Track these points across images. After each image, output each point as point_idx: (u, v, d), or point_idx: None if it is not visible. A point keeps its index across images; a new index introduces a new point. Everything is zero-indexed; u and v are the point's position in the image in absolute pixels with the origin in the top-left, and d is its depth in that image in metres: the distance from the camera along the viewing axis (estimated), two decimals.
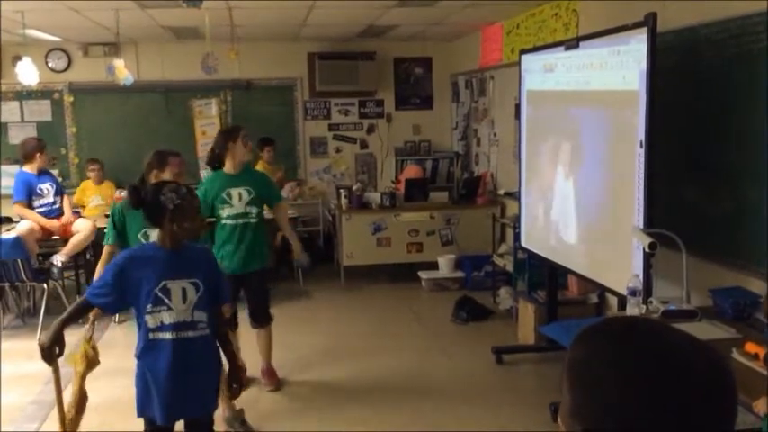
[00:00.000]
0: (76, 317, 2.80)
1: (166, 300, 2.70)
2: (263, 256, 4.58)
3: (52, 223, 6.36)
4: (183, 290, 2.72)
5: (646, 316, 3.00)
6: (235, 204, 4.40)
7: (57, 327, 2.67)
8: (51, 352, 2.68)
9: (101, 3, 5.40)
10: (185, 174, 3.85)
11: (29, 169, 6.33)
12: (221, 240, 4.41)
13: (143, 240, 3.96)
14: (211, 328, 2.84)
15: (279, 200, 4.77)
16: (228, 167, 4.45)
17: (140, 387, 2.80)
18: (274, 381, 4.67)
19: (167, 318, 2.70)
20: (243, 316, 4.57)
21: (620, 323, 0.98)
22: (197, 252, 2.89)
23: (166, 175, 3.62)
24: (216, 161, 4.47)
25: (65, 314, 2.74)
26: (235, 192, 4.41)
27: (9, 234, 6.29)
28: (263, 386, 4.65)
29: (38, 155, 6.32)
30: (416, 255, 7.22)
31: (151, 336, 2.72)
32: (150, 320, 2.70)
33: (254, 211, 4.47)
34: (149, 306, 2.69)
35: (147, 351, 2.75)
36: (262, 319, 4.59)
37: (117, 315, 5.88)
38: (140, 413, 2.83)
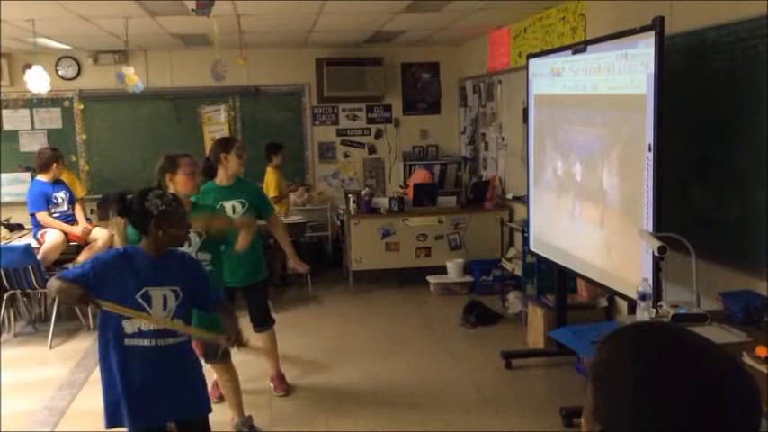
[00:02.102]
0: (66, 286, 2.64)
1: (147, 306, 2.66)
2: (262, 268, 4.58)
3: (75, 230, 6.43)
4: (164, 297, 2.69)
5: (671, 322, 2.99)
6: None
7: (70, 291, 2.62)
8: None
9: (111, 11, 5.44)
10: (198, 174, 3.83)
11: (44, 179, 6.39)
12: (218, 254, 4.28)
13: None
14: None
15: (271, 212, 4.71)
16: (221, 178, 4.39)
17: (111, 396, 2.71)
18: (283, 386, 4.68)
19: (146, 324, 2.66)
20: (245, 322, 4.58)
21: (646, 327, 1.01)
22: (177, 258, 2.85)
23: (179, 177, 3.61)
24: (210, 170, 4.41)
25: (59, 286, 2.63)
26: (228, 205, 4.37)
27: (22, 240, 6.35)
28: (272, 392, 4.66)
29: (54, 165, 6.39)
30: (425, 259, 7.23)
31: (126, 342, 2.66)
32: (128, 326, 2.65)
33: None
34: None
35: (119, 358, 2.67)
36: (262, 323, 4.57)
37: None
38: (109, 424, 2.75)
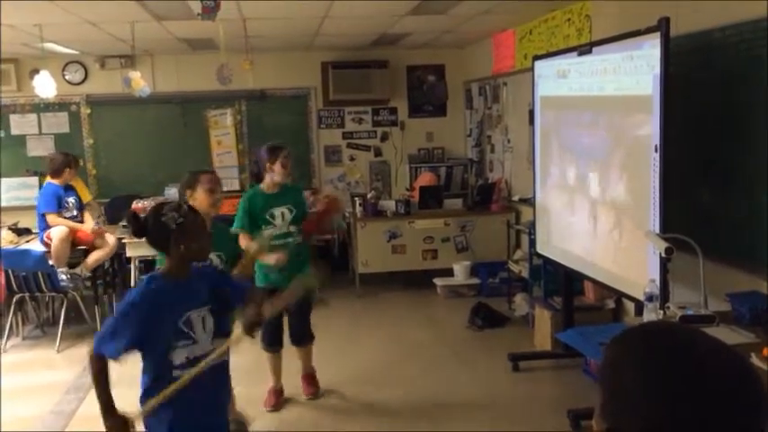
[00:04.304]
0: (103, 378, 2.47)
1: (191, 333, 2.51)
2: (309, 271, 4.41)
3: (84, 227, 6.49)
4: (203, 319, 2.55)
5: (679, 323, 2.98)
6: (278, 224, 4.34)
7: (106, 410, 2.44)
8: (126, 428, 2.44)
9: (117, 16, 5.47)
10: (219, 190, 3.72)
11: (56, 182, 6.48)
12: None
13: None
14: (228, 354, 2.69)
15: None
16: (267, 185, 4.39)
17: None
18: (312, 389, 4.65)
19: (190, 352, 2.51)
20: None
21: (654, 327, 1.01)
22: (201, 274, 2.67)
23: (198, 194, 3.59)
24: (258, 174, 4.43)
25: (98, 392, 2.46)
26: (278, 211, 4.35)
27: (29, 244, 6.39)
28: (301, 393, 4.64)
29: (66, 170, 6.47)
30: (431, 262, 7.23)
31: (176, 374, 2.48)
32: (176, 357, 2.49)
33: (296, 229, 4.42)
34: (173, 342, 2.49)
35: (175, 392, 2.48)
36: (302, 339, 4.54)
37: None
38: None
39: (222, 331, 2.61)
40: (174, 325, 2.48)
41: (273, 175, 4.36)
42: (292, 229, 4.40)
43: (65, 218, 6.44)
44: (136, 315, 2.44)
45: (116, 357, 2.44)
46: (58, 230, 6.30)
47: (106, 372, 2.46)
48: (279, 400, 4.55)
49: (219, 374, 2.65)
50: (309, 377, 4.71)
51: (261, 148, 4.51)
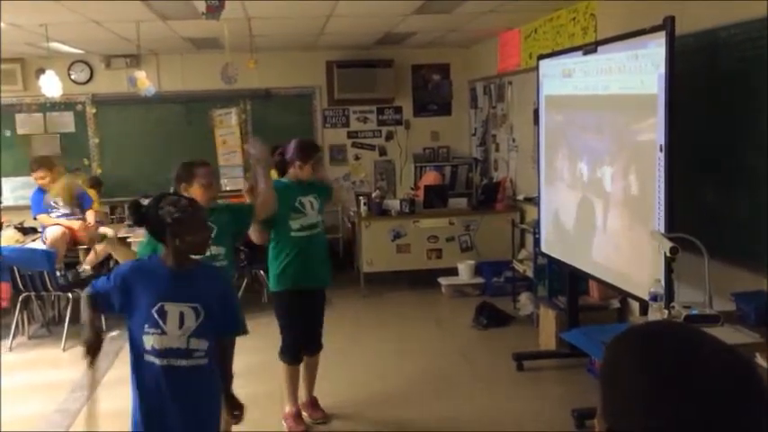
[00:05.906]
0: (94, 311, 2.62)
1: (161, 323, 2.48)
2: (329, 273, 4.32)
3: (77, 223, 6.54)
4: (181, 314, 2.49)
5: (680, 322, 2.98)
6: (308, 213, 4.11)
7: (90, 327, 2.55)
8: (95, 348, 2.54)
9: (122, 15, 5.48)
10: (215, 184, 3.60)
11: (39, 184, 6.65)
12: (290, 254, 4.09)
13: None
14: (214, 358, 2.60)
15: (331, 189, 4.44)
16: (295, 177, 4.16)
17: (135, 415, 2.58)
18: (320, 413, 4.35)
19: (158, 342, 2.48)
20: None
21: (655, 327, 1.01)
22: (205, 273, 2.65)
23: (194, 188, 3.45)
24: (283, 165, 4.20)
25: (85, 315, 2.59)
26: (306, 200, 4.13)
27: (35, 243, 6.42)
28: (308, 418, 4.31)
29: (32, 174, 6.61)
30: (436, 261, 7.22)
31: (145, 357, 2.51)
32: (145, 341, 2.50)
33: (321, 219, 4.24)
34: (146, 326, 2.49)
35: (139, 371, 2.54)
36: (316, 347, 4.31)
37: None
38: None
39: (207, 335, 2.55)
40: (147, 310, 2.50)
41: (300, 174, 4.13)
42: (318, 219, 4.20)
43: (55, 217, 6.51)
44: (118, 280, 2.56)
45: (103, 304, 2.59)
46: (52, 230, 6.36)
47: (96, 305, 2.60)
48: (302, 423, 4.27)
49: (186, 380, 2.53)
50: (315, 400, 4.41)
51: (291, 142, 4.22)
